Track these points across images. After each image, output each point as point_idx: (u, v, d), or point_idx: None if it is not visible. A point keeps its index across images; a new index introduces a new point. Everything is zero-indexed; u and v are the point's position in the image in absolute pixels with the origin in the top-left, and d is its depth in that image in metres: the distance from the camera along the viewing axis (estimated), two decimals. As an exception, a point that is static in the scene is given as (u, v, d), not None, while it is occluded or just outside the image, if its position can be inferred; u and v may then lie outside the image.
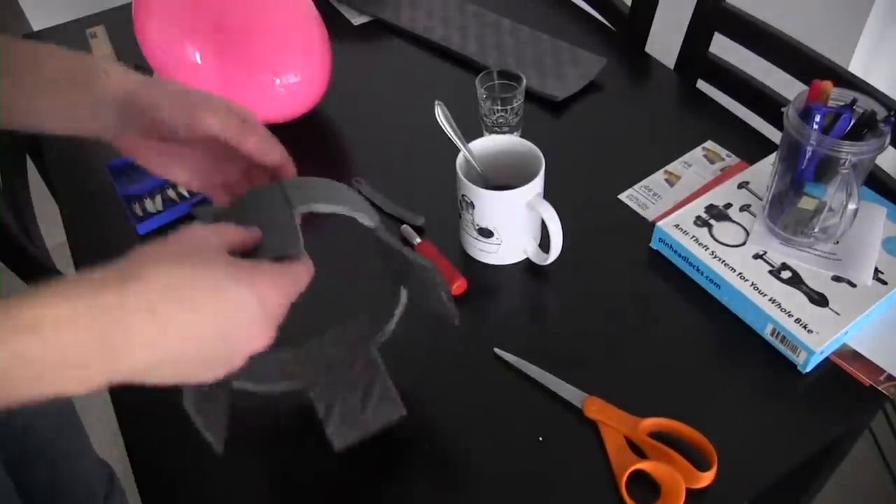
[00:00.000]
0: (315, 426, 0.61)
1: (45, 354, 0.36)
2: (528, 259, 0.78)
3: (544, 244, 0.76)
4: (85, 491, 0.88)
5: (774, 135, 0.80)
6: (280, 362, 0.64)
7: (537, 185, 0.72)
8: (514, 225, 0.74)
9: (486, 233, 0.74)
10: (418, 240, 0.79)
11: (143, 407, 0.68)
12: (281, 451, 0.64)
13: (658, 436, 0.62)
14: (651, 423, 0.62)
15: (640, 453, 0.61)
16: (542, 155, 0.73)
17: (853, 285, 0.69)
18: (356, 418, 0.61)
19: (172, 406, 0.68)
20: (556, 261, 0.74)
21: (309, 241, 0.51)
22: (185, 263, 0.42)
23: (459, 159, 0.74)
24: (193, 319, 0.42)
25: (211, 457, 0.64)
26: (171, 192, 0.86)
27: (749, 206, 0.77)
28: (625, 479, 0.59)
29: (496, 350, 0.69)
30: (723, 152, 0.88)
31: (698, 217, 0.76)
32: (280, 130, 0.94)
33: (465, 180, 0.72)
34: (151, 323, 0.40)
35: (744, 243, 0.74)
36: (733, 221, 0.76)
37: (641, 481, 0.60)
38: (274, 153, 0.57)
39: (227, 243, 0.47)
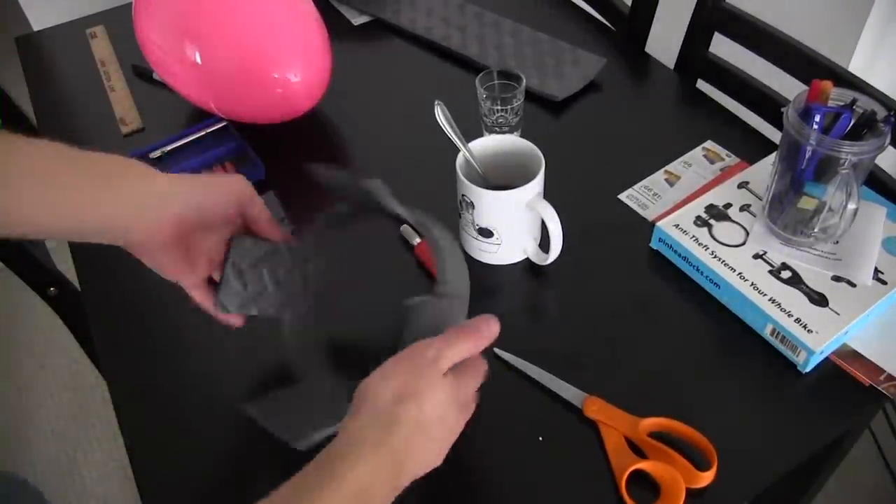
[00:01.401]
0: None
1: None
2: (528, 259, 0.78)
3: (544, 244, 0.76)
4: None
5: (774, 135, 0.80)
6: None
7: (537, 185, 0.72)
8: (513, 225, 0.74)
9: (486, 233, 0.74)
10: (418, 240, 0.79)
11: (143, 406, 0.68)
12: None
13: (658, 436, 0.62)
14: (651, 422, 0.62)
15: (640, 453, 0.61)
16: (542, 155, 0.73)
17: (853, 285, 0.69)
18: None
19: (172, 405, 0.68)
20: (556, 261, 0.74)
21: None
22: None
23: (459, 159, 0.74)
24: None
25: (211, 456, 0.64)
26: (171, 192, 0.86)
27: (749, 205, 0.77)
28: (625, 479, 0.59)
29: (496, 350, 0.69)
30: (723, 152, 0.88)
31: (698, 217, 0.76)
32: (280, 130, 0.94)
33: (465, 180, 0.72)
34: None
35: (744, 243, 0.74)
36: (733, 221, 0.76)
37: (641, 481, 0.60)
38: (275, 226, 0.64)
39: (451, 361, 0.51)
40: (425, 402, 0.48)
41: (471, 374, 0.53)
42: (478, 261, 0.78)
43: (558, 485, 0.60)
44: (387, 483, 0.47)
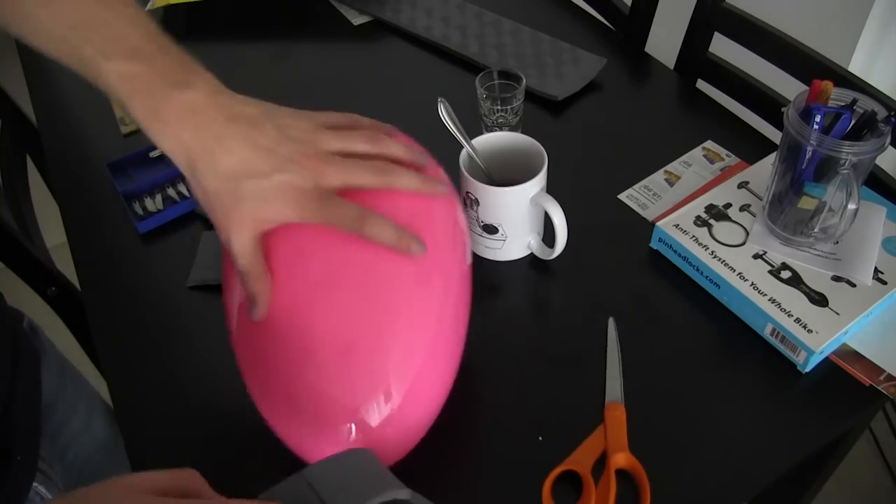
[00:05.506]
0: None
1: None
2: (529, 257, 0.78)
3: (547, 240, 0.76)
4: None
5: (774, 135, 0.80)
6: None
7: (542, 179, 0.72)
8: (518, 220, 0.74)
9: (492, 229, 0.74)
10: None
11: (142, 406, 0.69)
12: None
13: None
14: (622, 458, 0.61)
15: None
16: (544, 150, 0.73)
17: (853, 285, 0.69)
18: None
19: (173, 405, 0.68)
20: (555, 261, 0.74)
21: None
22: None
23: (463, 156, 0.74)
24: None
25: (212, 457, 0.64)
26: (171, 191, 0.86)
27: (749, 205, 0.77)
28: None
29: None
30: (723, 152, 0.88)
31: (698, 217, 0.76)
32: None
33: (469, 177, 0.72)
34: None
35: (744, 243, 0.74)
36: (733, 221, 0.76)
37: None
38: None
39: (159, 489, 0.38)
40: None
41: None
42: (482, 257, 0.78)
43: (558, 484, 0.60)
44: None
